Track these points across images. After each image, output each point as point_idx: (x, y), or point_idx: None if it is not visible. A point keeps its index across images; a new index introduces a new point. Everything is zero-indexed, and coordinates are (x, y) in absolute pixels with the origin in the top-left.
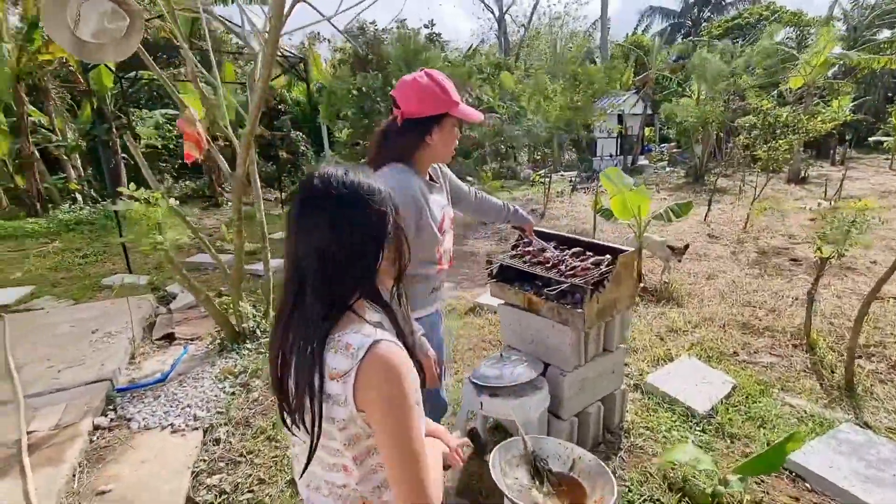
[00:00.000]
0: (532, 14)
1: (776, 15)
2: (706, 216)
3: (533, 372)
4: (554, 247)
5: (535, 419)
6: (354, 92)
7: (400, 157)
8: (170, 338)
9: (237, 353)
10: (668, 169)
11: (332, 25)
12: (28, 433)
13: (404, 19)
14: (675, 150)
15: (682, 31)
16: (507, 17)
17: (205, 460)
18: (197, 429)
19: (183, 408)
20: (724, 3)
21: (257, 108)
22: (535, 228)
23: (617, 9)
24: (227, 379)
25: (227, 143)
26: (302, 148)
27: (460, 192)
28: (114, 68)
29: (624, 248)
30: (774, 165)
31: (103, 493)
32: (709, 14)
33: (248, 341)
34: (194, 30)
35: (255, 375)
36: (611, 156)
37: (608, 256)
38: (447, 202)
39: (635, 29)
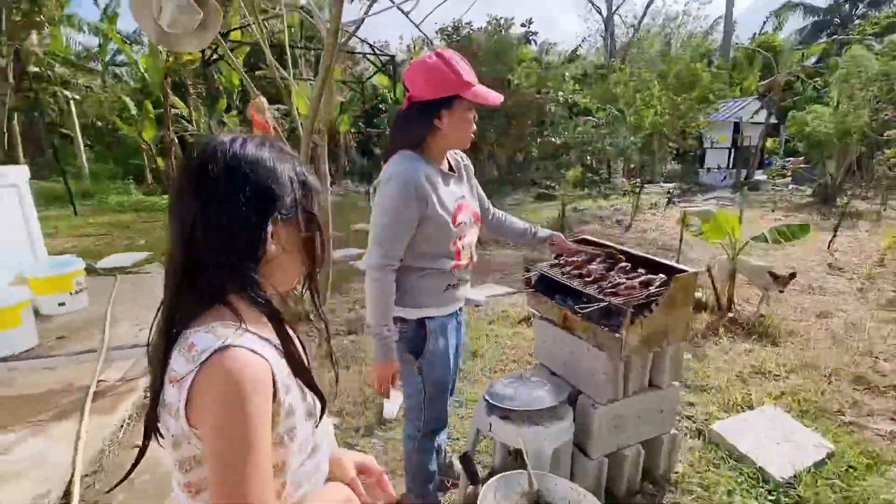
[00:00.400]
0: (644, 14)
1: None
2: (830, 243)
3: (554, 398)
4: (602, 259)
5: (550, 453)
6: None
7: (411, 144)
8: None
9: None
10: (790, 186)
11: (409, 20)
12: (99, 381)
13: (502, 17)
14: (801, 166)
15: (827, 31)
16: (616, 17)
17: None
18: None
19: None
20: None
21: (316, 99)
22: (585, 237)
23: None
24: None
25: (331, 138)
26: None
27: (481, 199)
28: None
29: (683, 267)
30: None
31: (138, 446)
32: (864, 10)
33: (301, 323)
34: (304, 32)
35: None
36: (718, 168)
37: (661, 276)
38: (468, 195)
39: (763, 27)
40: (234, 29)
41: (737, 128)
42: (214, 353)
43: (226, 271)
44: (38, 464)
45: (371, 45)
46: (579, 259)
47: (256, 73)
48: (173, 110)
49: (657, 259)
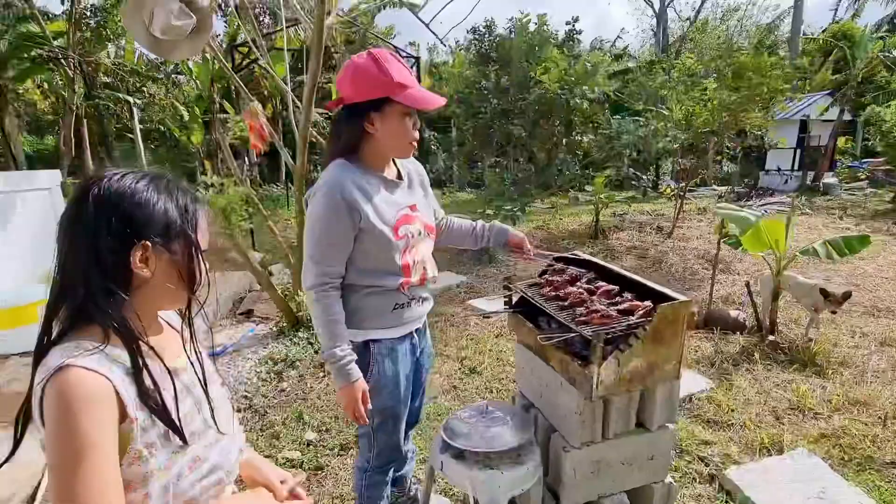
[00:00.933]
0: (700, 6)
1: None
2: None
3: (514, 438)
4: (588, 280)
5: (504, 502)
6: (465, 91)
7: (346, 151)
8: (248, 314)
9: (290, 339)
10: (866, 191)
11: (419, 19)
12: None
13: (528, 13)
14: (880, 168)
15: None
16: (669, 10)
17: None
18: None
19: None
20: None
21: (308, 99)
22: (576, 254)
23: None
24: (266, 364)
25: None
26: (432, 148)
27: (433, 213)
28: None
29: (676, 295)
30: None
31: None
32: None
33: (302, 330)
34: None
35: (292, 366)
36: (778, 170)
37: (647, 304)
38: (420, 204)
39: (835, 14)
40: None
41: (804, 126)
42: (55, 371)
43: (89, 295)
44: (12, 465)
45: (396, 48)
46: (560, 279)
47: (298, 77)
48: (224, 115)
49: (650, 283)
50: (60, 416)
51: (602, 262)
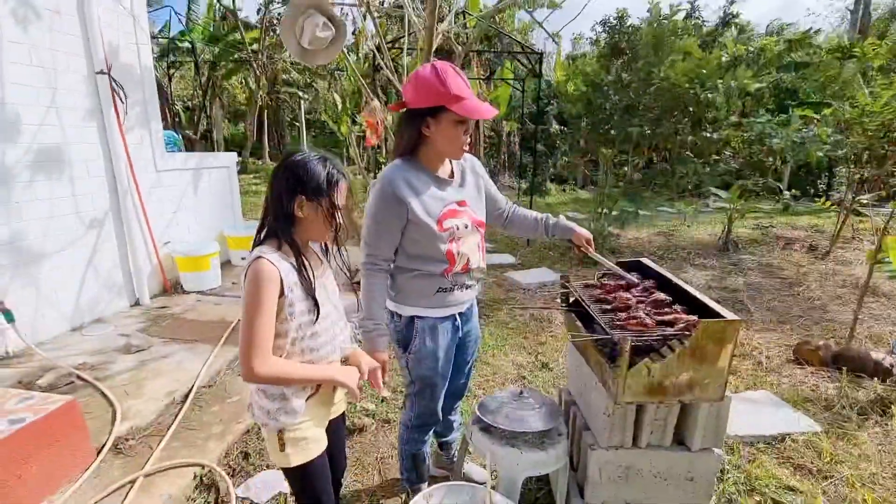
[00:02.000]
0: None
1: None
2: None
3: (540, 424)
4: (644, 289)
5: (521, 480)
6: (583, 88)
7: (406, 150)
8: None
9: None
10: None
11: (533, 17)
12: (239, 320)
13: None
14: None
15: None
16: None
17: None
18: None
19: None
20: None
21: None
22: (643, 261)
23: None
24: None
25: (494, 133)
26: (558, 143)
27: (494, 202)
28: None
29: (724, 313)
30: None
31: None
32: None
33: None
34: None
35: None
36: None
37: (693, 318)
38: (471, 200)
39: None
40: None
41: None
42: (253, 260)
43: (273, 221)
44: (178, 369)
45: (520, 43)
46: (614, 283)
47: None
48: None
49: (706, 300)
50: (253, 281)
51: (667, 273)
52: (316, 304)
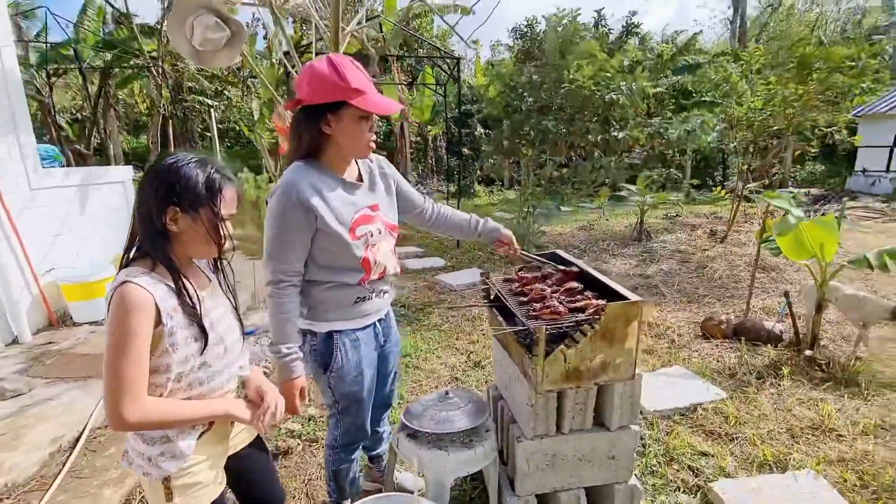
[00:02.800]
0: None
1: None
2: None
3: (466, 422)
4: (557, 279)
5: (450, 482)
6: (501, 90)
7: (307, 152)
8: None
9: None
10: None
11: (446, 23)
12: None
13: (566, 8)
14: None
15: None
16: None
17: None
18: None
19: None
20: None
21: None
22: (559, 253)
23: None
24: None
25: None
26: (483, 146)
27: (410, 201)
28: None
29: (628, 295)
30: None
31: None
32: None
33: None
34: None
35: None
36: (863, 171)
37: (601, 303)
38: (383, 204)
39: None
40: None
41: None
42: (118, 285)
43: (145, 238)
44: (67, 411)
45: (438, 48)
46: (530, 275)
47: None
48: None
49: (613, 285)
50: (119, 310)
51: (581, 263)
52: (203, 332)
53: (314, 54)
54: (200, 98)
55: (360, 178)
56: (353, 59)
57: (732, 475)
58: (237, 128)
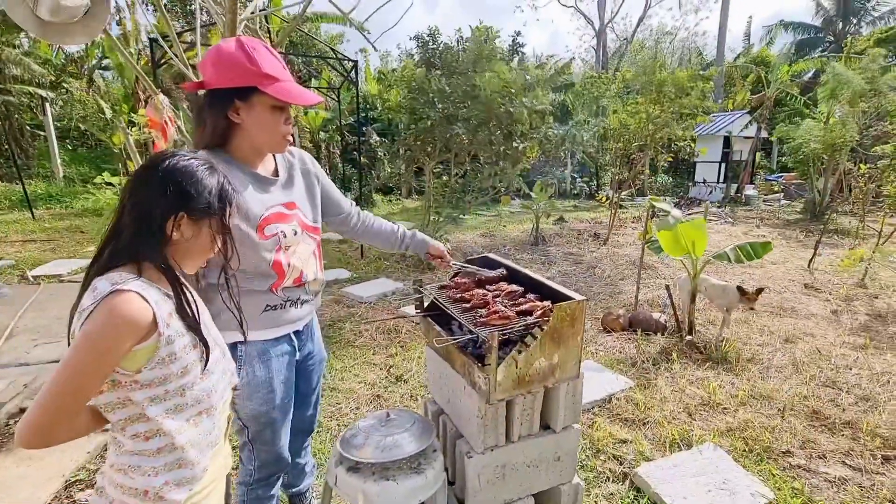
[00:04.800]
0: (637, 27)
1: None
2: (811, 261)
3: (413, 446)
4: (493, 283)
5: None
6: (408, 96)
7: (214, 141)
8: None
9: None
10: (781, 202)
11: (350, 19)
12: None
13: (489, 26)
14: (793, 182)
15: (820, 48)
16: (609, 31)
17: (87, 468)
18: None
19: None
20: (875, 15)
21: None
22: (488, 256)
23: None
24: None
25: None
26: (380, 154)
27: (336, 204)
28: None
29: (573, 295)
30: None
31: None
32: (855, 28)
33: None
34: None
35: None
36: (704, 182)
37: (546, 304)
38: (301, 202)
39: (747, 45)
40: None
41: (727, 142)
42: (111, 293)
43: (134, 238)
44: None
45: (335, 51)
46: (468, 281)
47: None
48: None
49: (552, 285)
50: (104, 319)
51: (512, 265)
52: (202, 339)
53: (197, 44)
54: (30, 89)
55: (275, 173)
56: (266, 44)
57: (650, 457)
58: (81, 127)
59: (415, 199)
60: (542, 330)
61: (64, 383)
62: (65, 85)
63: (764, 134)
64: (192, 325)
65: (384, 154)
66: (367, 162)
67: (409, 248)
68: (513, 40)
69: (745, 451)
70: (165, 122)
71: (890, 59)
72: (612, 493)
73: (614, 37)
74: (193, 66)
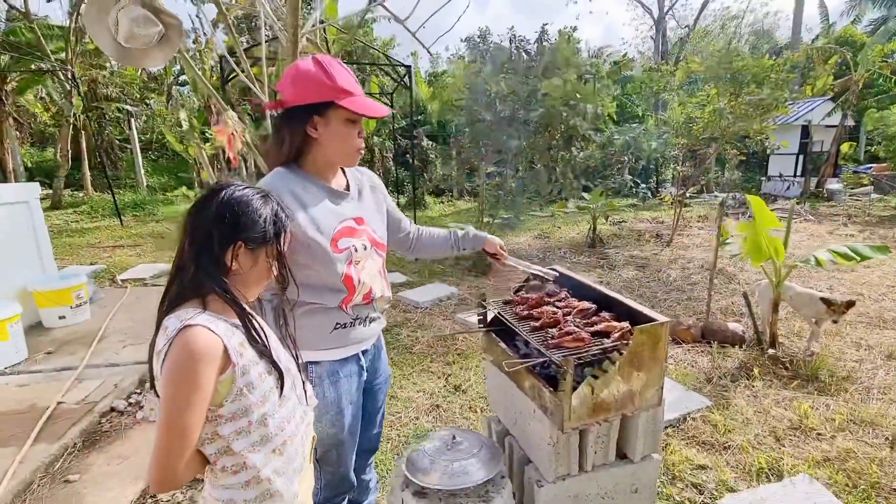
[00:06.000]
0: (700, 13)
1: None
2: None
3: (482, 473)
4: (562, 298)
5: None
6: (465, 97)
7: (289, 157)
8: None
9: None
10: (871, 196)
11: (405, 26)
12: (59, 403)
13: (567, 27)
14: (885, 173)
15: None
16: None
17: None
18: None
19: None
20: None
21: None
22: (555, 268)
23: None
24: None
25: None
26: (431, 156)
27: (397, 222)
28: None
29: (654, 315)
30: None
31: (68, 482)
32: None
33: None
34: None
35: None
36: (780, 176)
37: (624, 325)
38: (369, 218)
39: (825, 25)
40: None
41: (805, 132)
42: (181, 330)
43: (198, 272)
44: None
45: (388, 57)
46: (535, 296)
47: None
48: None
49: (628, 302)
50: (185, 357)
51: (580, 278)
52: (275, 365)
53: (263, 58)
54: (118, 105)
55: (347, 188)
56: (339, 60)
57: (734, 487)
58: (161, 139)
59: (467, 199)
60: (620, 354)
61: (168, 430)
62: (146, 101)
63: (850, 122)
64: (264, 351)
65: (436, 156)
66: (420, 164)
67: (466, 247)
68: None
69: (846, 485)
70: (232, 135)
71: None
72: None
73: (674, 24)
74: (260, 81)
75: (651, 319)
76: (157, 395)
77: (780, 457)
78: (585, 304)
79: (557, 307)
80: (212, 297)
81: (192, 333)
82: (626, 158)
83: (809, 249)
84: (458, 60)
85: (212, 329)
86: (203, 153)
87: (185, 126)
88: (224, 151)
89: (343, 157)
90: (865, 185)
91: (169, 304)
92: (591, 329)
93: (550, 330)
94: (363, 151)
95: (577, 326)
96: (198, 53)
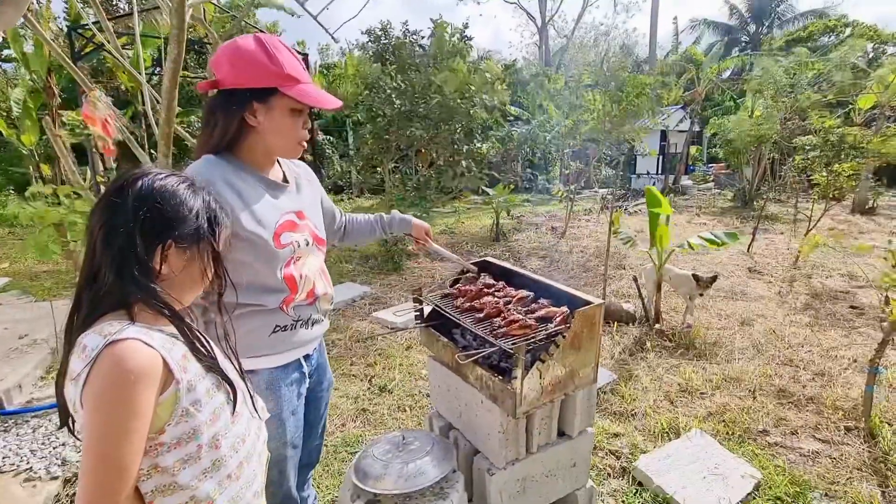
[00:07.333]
0: (575, 26)
1: (849, 28)
2: (750, 246)
3: (437, 470)
4: (501, 289)
5: None
6: (364, 92)
7: (223, 145)
8: None
9: None
10: (713, 191)
11: (312, 16)
12: None
13: (447, 22)
14: (722, 172)
15: (737, 47)
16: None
17: None
18: (56, 478)
19: (55, 447)
20: (783, 19)
21: (169, 90)
22: (490, 260)
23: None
24: None
25: None
26: (328, 152)
27: (331, 215)
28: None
29: (588, 297)
30: (836, 192)
31: None
32: (766, 30)
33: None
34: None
35: None
36: (648, 173)
37: (563, 310)
38: (308, 211)
39: (675, 43)
40: (121, 16)
41: (664, 136)
42: (106, 346)
43: (116, 281)
44: None
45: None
46: (473, 288)
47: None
48: (69, 113)
49: (561, 287)
50: (115, 384)
51: (510, 266)
52: (225, 378)
53: (137, 33)
54: None
55: (284, 180)
56: (287, 44)
57: (645, 449)
58: None
59: (368, 197)
60: (564, 338)
61: (102, 467)
62: None
63: (696, 128)
64: (212, 364)
65: (332, 151)
66: (315, 160)
67: (393, 230)
68: (461, 34)
69: (727, 434)
70: (106, 119)
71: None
72: (615, 490)
73: (554, 34)
74: (126, 57)
75: (587, 302)
76: (72, 432)
77: (676, 417)
78: (524, 293)
79: (497, 297)
80: (138, 306)
81: (123, 349)
82: (523, 152)
83: (676, 237)
84: (350, 53)
85: (147, 342)
86: (61, 140)
87: (17, 110)
88: (96, 141)
89: (285, 149)
90: (708, 182)
91: (82, 319)
92: (534, 315)
93: (495, 320)
94: (305, 144)
95: (520, 314)
96: (34, 21)
